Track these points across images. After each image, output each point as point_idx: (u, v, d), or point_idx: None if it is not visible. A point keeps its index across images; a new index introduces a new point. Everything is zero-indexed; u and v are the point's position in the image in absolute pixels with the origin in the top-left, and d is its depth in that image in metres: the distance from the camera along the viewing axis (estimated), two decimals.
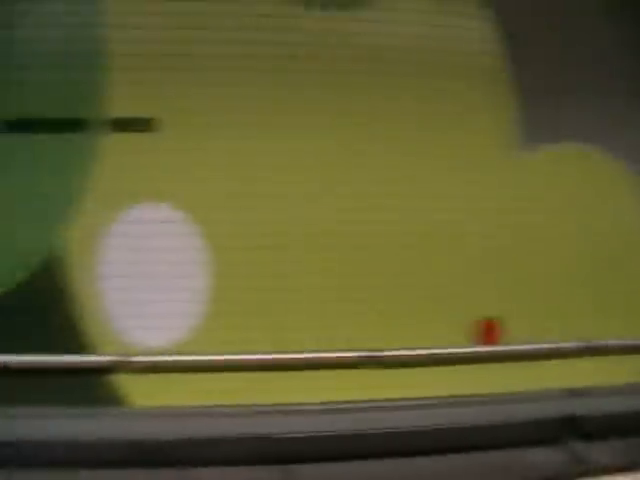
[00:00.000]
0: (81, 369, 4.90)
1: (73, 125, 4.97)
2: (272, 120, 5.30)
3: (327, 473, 5.06)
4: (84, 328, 4.96)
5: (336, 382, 5.27)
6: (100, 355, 4.95)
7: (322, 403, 5.23)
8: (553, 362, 5.51)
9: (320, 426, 5.17)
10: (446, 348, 5.29)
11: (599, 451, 5.26)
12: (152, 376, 4.92)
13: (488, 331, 5.48)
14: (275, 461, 5.01)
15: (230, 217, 5.17)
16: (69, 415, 4.74)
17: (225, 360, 5.05)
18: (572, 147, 6.02)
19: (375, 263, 5.40)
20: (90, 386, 4.93)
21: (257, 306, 5.17)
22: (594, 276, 5.95)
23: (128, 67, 4.98)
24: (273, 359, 5.15)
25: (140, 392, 4.95)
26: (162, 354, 5.01)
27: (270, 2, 5.27)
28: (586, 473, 5.00)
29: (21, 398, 4.66)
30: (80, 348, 4.94)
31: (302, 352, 5.21)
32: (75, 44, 4.95)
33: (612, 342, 5.63)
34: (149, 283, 5.04)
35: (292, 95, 5.37)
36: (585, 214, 5.96)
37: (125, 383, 4.97)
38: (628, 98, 6.26)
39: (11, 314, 4.82)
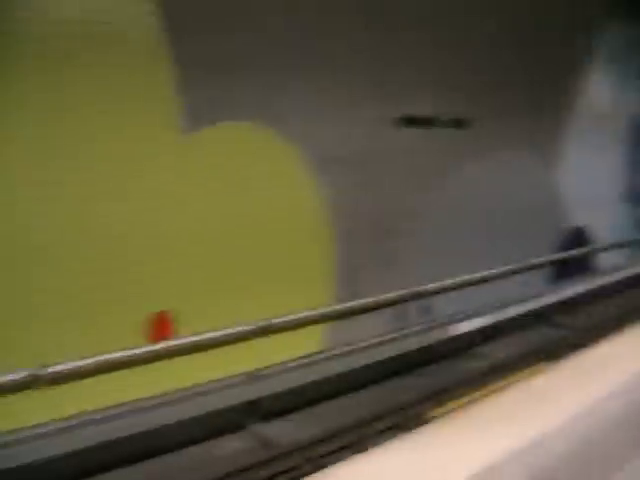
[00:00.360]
0: None
1: None
2: None
3: None
4: None
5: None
6: None
7: None
8: (232, 347, 5.41)
9: None
10: (116, 352, 4.85)
11: (281, 430, 5.33)
12: None
13: (160, 326, 5.19)
14: None
15: None
16: None
17: None
18: (236, 126, 5.95)
19: (40, 265, 4.78)
20: None
21: None
22: (264, 256, 6.01)
23: None
24: None
25: None
26: None
27: None
28: (275, 458, 4.97)
29: None
30: None
31: None
32: None
33: (285, 319, 5.70)
34: None
35: None
36: (251, 193, 5.97)
37: None
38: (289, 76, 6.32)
39: None
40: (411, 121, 7.72)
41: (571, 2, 9.68)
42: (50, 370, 4.56)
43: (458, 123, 8.20)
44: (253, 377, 5.55)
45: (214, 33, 5.74)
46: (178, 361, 5.18)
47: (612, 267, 11.27)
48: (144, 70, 5.36)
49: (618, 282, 11.00)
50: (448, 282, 7.58)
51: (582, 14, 10.13)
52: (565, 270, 10.03)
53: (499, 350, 7.82)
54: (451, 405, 6.03)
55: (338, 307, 6.37)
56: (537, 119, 9.38)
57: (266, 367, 5.67)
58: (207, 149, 5.78)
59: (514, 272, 8.62)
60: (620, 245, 11.65)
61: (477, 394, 6.40)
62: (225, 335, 5.36)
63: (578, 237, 10.47)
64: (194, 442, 5.20)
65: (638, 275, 11.62)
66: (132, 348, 4.90)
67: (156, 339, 5.14)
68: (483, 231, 8.54)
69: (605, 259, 11.22)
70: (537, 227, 9.51)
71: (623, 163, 11.68)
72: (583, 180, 10.37)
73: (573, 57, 10.14)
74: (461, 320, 7.81)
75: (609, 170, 11.39)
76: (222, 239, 5.81)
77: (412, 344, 7.17)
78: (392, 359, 6.92)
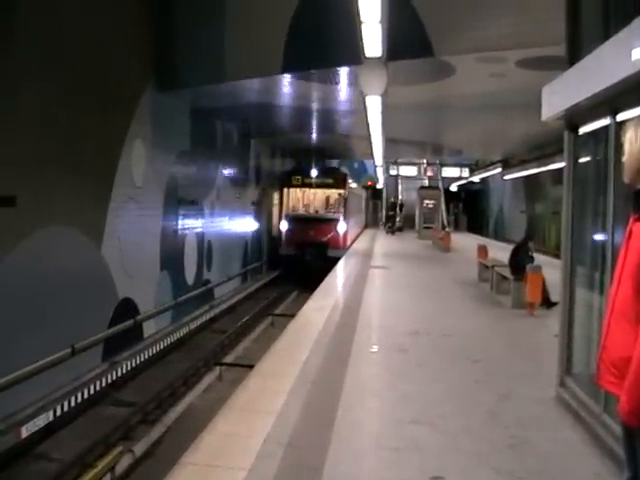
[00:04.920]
0: None
1: None
2: None
3: None
4: None
5: None
6: None
7: None
8: None
9: None
10: None
11: None
12: None
13: None
14: None
15: None
16: None
17: None
18: None
19: None
20: None
21: None
22: None
23: None
24: None
25: None
26: None
27: None
28: None
29: None
30: None
31: None
32: None
33: None
34: None
35: None
36: None
37: None
38: None
39: None
40: None
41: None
42: None
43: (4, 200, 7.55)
44: None
45: None
46: None
47: (158, 333, 11.83)
48: None
49: (163, 349, 11.62)
50: None
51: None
52: (117, 343, 10.10)
53: (64, 447, 7.34)
54: None
55: None
56: (83, 198, 9.31)
57: None
58: None
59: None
60: (164, 310, 12.32)
61: None
62: None
63: (127, 307, 10.66)
64: None
65: (178, 340, 12.48)
66: None
67: None
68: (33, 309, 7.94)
69: (150, 326, 11.69)
70: (90, 302, 9.36)
71: (160, 235, 12.40)
72: (128, 253, 10.65)
73: (116, 139, 10.44)
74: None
75: (153, 243, 11.97)
76: None
77: None
78: None
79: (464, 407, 5.27)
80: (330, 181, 24.54)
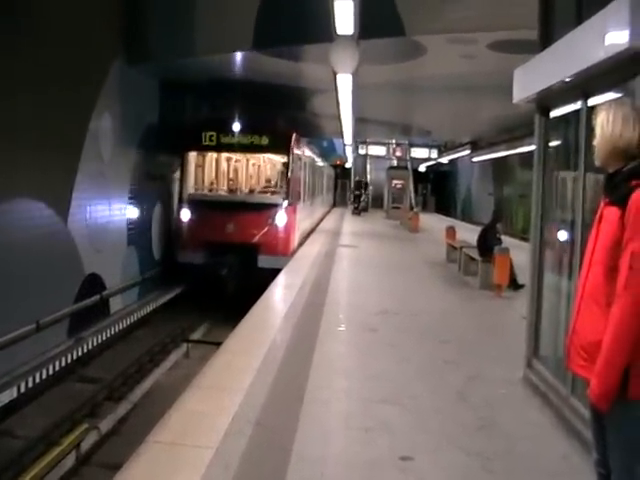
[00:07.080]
0: None
1: None
2: None
3: None
4: None
5: None
6: None
7: None
8: None
9: None
10: None
11: None
12: None
13: None
14: None
15: None
16: None
17: None
18: None
19: None
20: None
21: None
22: None
23: None
24: None
25: None
26: None
27: None
28: None
29: None
30: None
31: None
32: None
33: None
34: None
35: None
36: None
37: None
38: None
39: None
40: None
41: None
42: None
43: None
44: None
45: None
46: None
47: (123, 310, 11.69)
48: None
49: (129, 325, 11.49)
50: None
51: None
52: (83, 318, 9.96)
53: (29, 424, 7.22)
54: None
55: None
56: (49, 171, 9.09)
57: None
58: None
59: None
60: (131, 286, 12.17)
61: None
62: None
63: (93, 283, 10.50)
64: None
65: (144, 316, 12.33)
66: None
67: None
68: None
69: (117, 302, 11.55)
70: (55, 277, 9.19)
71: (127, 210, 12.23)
72: (95, 228, 10.48)
73: (83, 112, 10.21)
74: None
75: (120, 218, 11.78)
76: None
77: None
78: None
79: (434, 388, 5.30)
80: (264, 141, 14.32)
